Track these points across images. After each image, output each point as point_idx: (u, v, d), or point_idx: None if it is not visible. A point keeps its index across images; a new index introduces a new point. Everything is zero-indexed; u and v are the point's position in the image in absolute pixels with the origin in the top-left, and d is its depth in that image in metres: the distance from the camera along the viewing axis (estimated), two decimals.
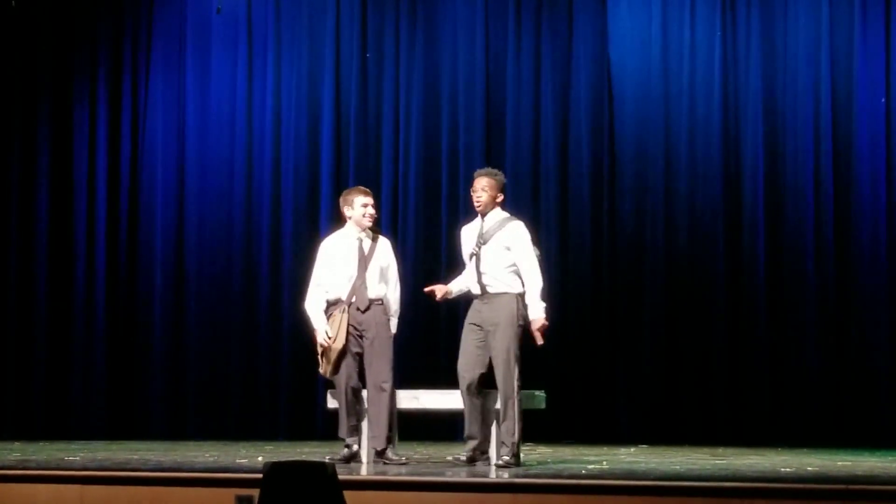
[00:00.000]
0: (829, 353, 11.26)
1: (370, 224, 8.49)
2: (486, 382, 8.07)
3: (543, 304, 8.02)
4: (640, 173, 11.80)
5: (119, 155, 12.66)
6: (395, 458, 8.20)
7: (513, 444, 7.94)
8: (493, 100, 12.13)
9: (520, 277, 8.08)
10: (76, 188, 12.61)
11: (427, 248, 11.94)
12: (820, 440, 10.76)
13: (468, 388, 8.05)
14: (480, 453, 8.08)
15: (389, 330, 8.37)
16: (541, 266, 8.17)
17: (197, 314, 12.44)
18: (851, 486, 6.54)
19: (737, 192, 11.62)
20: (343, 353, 8.26)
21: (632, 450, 10.20)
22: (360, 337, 8.32)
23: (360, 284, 8.36)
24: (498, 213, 8.21)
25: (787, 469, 8.07)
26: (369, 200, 8.50)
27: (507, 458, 7.91)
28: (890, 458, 9.25)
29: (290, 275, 12.26)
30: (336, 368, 8.29)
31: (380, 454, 8.21)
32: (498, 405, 8.03)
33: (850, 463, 8.64)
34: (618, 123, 11.87)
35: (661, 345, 11.59)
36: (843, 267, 11.34)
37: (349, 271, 8.38)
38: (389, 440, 8.22)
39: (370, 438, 8.26)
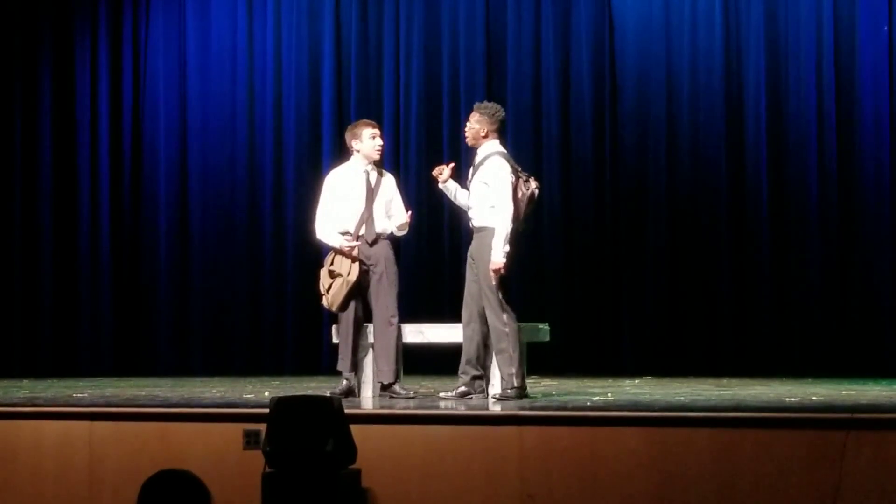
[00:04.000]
0: (833, 283, 11.27)
1: (379, 156, 8.47)
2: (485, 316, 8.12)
3: (505, 249, 7.97)
4: (641, 105, 11.75)
5: (121, 94, 12.61)
6: (402, 392, 8.25)
7: (510, 376, 7.97)
8: (494, 32, 12.07)
9: None
10: (79, 128, 12.57)
11: (428, 182, 11.88)
12: (824, 370, 10.79)
13: (465, 321, 8.10)
14: (476, 387, 8.11)
15: (395, 265, 8.37)
16: (532, 203, 8.15)
17: (201, 251, 12.45)
18: (856, 415, 6.58)
19: (739, 122, 11.58)
20: (353, 288, 8.24)
21: (636, 381, 10.24)
22: (367, 272, 8.31)
23: (367, 217, 8.36)
24: (487, 149, 8.18)
25: (792, 399, 8.11)
26: (378, 132, 8.49)
27: (506, 390, 7.94)
28: (894, 386, 9.29)
29: (293, 210, 12.26)
30: (345, 304, 8.28)
31: (386, 388, 8.25)
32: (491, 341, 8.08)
33: (854, 392, 8.68)
34: (619, 54, 11.81)
35: (665, 276, 11.60)
36: (847, 197, 11.32)
37: (357, 204, 8.38)
38: (396, 374, 8.26)
39: (377, 372, 8.29)
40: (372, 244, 8.37)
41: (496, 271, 7.96)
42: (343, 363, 8.34)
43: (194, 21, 12.59)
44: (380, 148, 8.46)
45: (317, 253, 12.08)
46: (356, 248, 8.33)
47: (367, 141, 8.43)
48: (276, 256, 12.33)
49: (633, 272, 11.69)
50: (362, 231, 8.37)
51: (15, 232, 12.46)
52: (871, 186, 11.26)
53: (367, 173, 8.44)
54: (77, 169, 12.55)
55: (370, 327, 8.38)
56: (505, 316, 7.99)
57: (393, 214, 8.50)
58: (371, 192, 8.39)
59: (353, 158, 8.51)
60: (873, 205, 11.24)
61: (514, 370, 7.97)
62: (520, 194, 8.10)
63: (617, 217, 11.79)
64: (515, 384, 7.96)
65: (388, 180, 8.52)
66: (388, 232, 8.45)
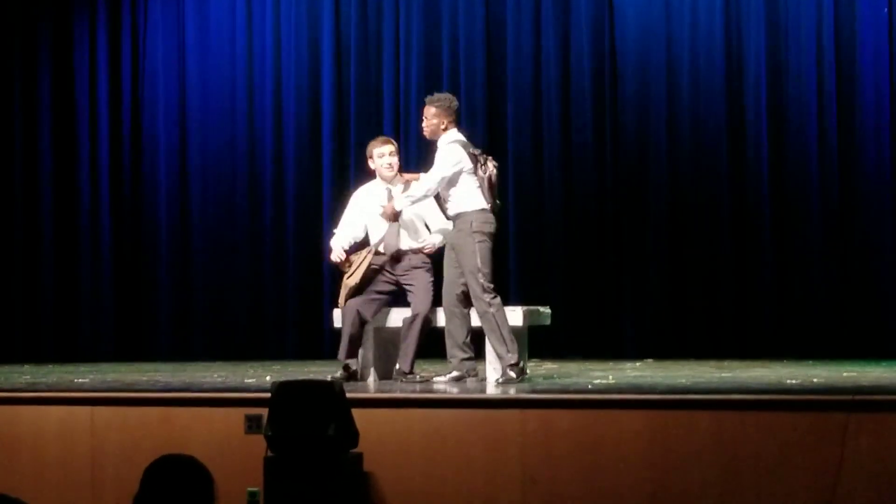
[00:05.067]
0: (834, 265, 11.25)
1: (391, 174, 8.56)
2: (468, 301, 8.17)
3: (407, 204, 8.23)
4: (642, 87, 11.73)
5: (120, 79, 12.60)
6: (417, 378, 8.26)
7: (506, 354, 7.99)
8: (493, 15, 12.03)
9: (471, 195, 8.13)
10: (78, 114, 12.56)
11: (429, 162, 11.85)
12: (825, 352, 10.77)
13: (446, 306, 8.19)
14: (468, 369, 8.13)
15: (428, 274, 8.43)
16: (495, 183, 8.22)
17: (202, 236, 12.44)
18: (857, 397, 6.58)
19: (739, 104, 11.55)
20: (356, 290, 8.38)
21: (637, 364, 10.23)
22: (396, 283, 8.47)
23: (388, 233, 8.47)
24: (446, 139, 8.23)
25: (793, 381, 8.10)
26: (385, 150, 8.57)
27: (506, 371, 7.96)
28: (895, 368, 9.29)
29: (294, 193, 12.26)
30: (345, 301, 8.41)
31: (401, 374, 8.26)
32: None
33: (855, 374, 8.68)
34: (619, 36, 11.78)
35: (666, 258, 11.59)
36: (848, 179, 11.31)
37: (375, 220, 8.52)
38: (412, 366, 8.29)
39: (399, 358, 8.32)
40: (397, 260, 8.49)
41: (388, 213, 8.19)
42: (341, 352, 8.38)
43: (193, 5, 12.57)
44: (388, 166, 8.54)
45: (317, 238, 12.16)
46: (344, 261, 8.44)
47: (376, 160, 8.59)
48: (277, 241, 12.32)
49: (634, 255, 11.68)
50: (381, 247, 8.51)
51: (15, 218, 12.45)
52: (872, 169, 11.24)
53: (389, 190, 8.53)
54: (77, 154, 12.55)
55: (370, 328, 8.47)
56: (488, 296, 8.03)
57: (420, 230, 8.60)
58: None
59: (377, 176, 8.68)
60: (874, 187, 11.22)
61: (507, 348, 8.00)
62: (478, 176, 8.17)
63: (618, 200, 11.77)
64: (512, 362, 7.98)
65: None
66: (417, 247, 8.51)
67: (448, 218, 8.31)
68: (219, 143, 12.47)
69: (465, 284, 8.09)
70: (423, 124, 8.29)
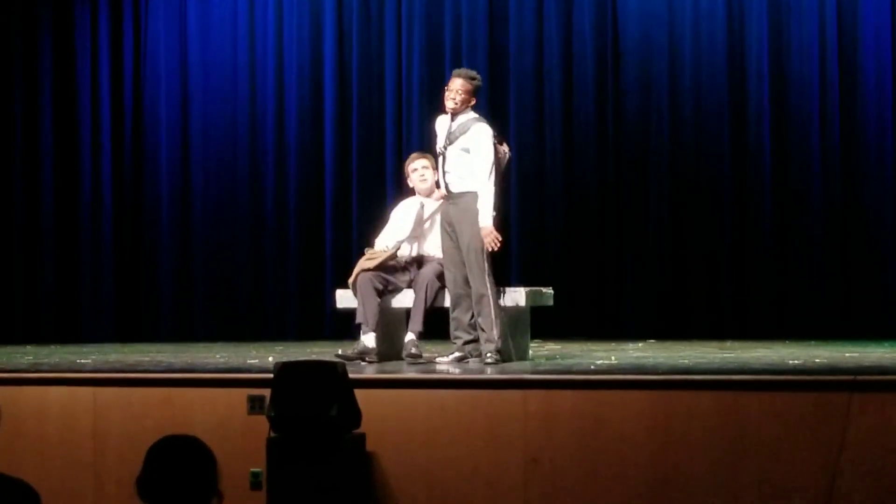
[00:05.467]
0: (836, 246, 11.26)
1: (424, 187, 8.71)
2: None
3: (492, 213, 8.06)
4: (644, 67, 11.71)
5: (122, 57, 12.55)
6: (414, 349, 8.27)
7: (494, 338, 8.00)
8: None
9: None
10: (79, 92, 12.51)
11: (432, 146, 11.84)
12: (828, 332, 10.78)
13: (450, 287, 8.18)
14: (471, 351, 8.14)
15: (438, 282, 8.44)
16: (506, 167, 8.26)
17: (203, 215, 12.42)
18: (859, 377, 6.59)
19: (741, 84, 11.54)
20: (366, 277, 8.45)
21: (640, 345, 10.24)
22: (408, 282, 8.58)
23: (413, 242, 8.63)
24: (467, 115, 8.23)
25: (795, 361, 8.11)
26: (418, 165, 8.75)
27: (492, 354, 7.96)
28: None
29: (295, 174, 12.25)
30: (356, 276, 8.51)
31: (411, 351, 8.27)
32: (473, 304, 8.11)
33: (857, 354, 8.69)
34: (621, 16, 11.76)
35: (668, 239, 11.59)
36: (850, 158, 11.30)
37: (406, 229, 8.67)
38: (419, 333, 8.34)
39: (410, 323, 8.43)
40: (418, 265, 8.60)
41: (490, 233, 8.02)
42: (358, 315, 8.43)
43: None
44: (421, 178, 8.71)
45: (319, 219, 12.16)
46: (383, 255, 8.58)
47: (410, 176, 8.78)
48: (279, 221, 12.31)
49: (636, 236, 11.68)
50: (407, 252, 8.64)
51: (16, 197, 12.44)
52: (874, 148, 11.24)
53: (423, 204, 8.71)
54: (78, 133, 12.52)
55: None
56: (487, 280, 8.02)
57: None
58: (420, 221, 8.67)
59: None
60: (876, 166, 11.22)
61: (497, 332, 8.01)
62: (498, 158, 8.17)
63: (619, 180, 11.76)
64: (499, 346, 8.00)
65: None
66: (438, 256, 8.56)
67: (448, 192, 8.27)
68: (220, 122, 12.44)
69: (465, 264, 8.09)
70: (450, 95, 8.19)
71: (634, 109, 11.74)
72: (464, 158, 8.14)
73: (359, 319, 8.43)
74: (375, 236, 8.90)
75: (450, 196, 8.24)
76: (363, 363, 8.17)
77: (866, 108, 11.27)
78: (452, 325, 8.22)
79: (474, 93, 8.25)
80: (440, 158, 8.28)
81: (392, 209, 9.01)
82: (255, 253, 12.34)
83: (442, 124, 8.34)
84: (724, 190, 11.49)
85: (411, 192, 8.91)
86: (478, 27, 12.00)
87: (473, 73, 8.35)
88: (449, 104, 8.21)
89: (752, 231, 11.45)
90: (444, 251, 8.29)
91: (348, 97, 12.25)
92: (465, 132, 8.16)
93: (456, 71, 8.43)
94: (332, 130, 12.25)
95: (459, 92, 8.18)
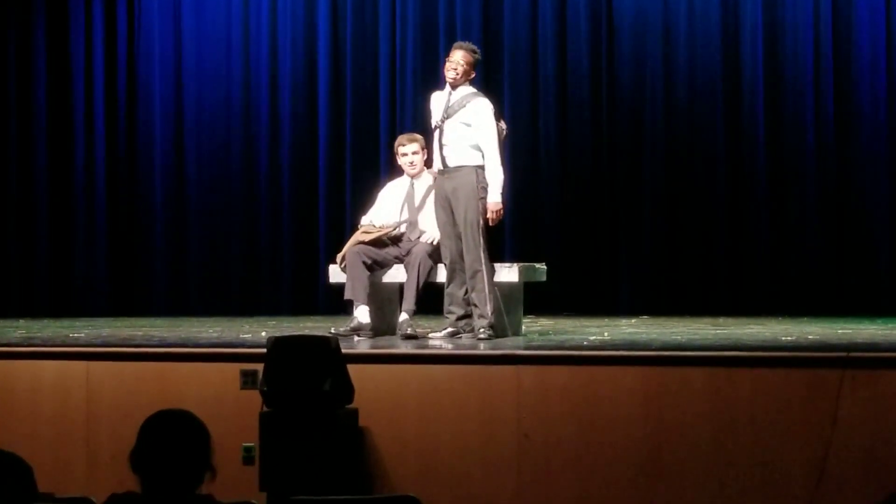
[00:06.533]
0: (829, 222, 11.26)
1: (414, 172, 8.69)
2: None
3: (501, 189, 8.10)
4: (638, 44, 11.68)
5: (115, 36, 12.47)
6: (407, 329, 8.26)
7: (487, 314, 8.01)
8: None
9: (480, 151, 8.12)
10: (73, 70, 12.45)
11: (426, 121, 11.83)
12: (820, 308, 10.79)
13: (445, 261, 8.16)
14: (464, 326, 8.15)
15: (430, 259, 8.44)
16: (502, 142, 8.26)
17: (197, 190, 12.40)
18: (852, 354, 6.61)
19: (736, 62, 11.52)
20: (355, 253, 8.45)
21: (633, 321, 10.25)
22: (398, 257, 8.56)
23: (408, 224, 8.60)
24: (466, 89, 8.22)
25: (788, 337, 8.13)
26: (408, 149, 8.71)
27: (485, 329, 7.97)
28: (890, 325, 9.31)
29: (289, 149, 12.23)
30: (342, 257, 8.52)
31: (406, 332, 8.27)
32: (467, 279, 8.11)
33: (850, 331, 8.70)
34: None
35: (662, 215, 11.58)
36: (844, 136, 11.30)
37: (396, 212, 8.68)
38: (410, 311, 8.33)
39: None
40: (408, 241, 8.59)
41: (499, 211, 8.04)
42: (347, 291, 8.43)
43: None
44: (410, 164, 8.68)
45: (313, 194, 12.14)
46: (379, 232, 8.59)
47: (399, 157, 8.76)
48: (272, 196, 12.29)
49: (630, 212, 11.68)
50: (399, 230, 8.61)
51: (10, 173, 12.41)
52: (868, 126, 11.23)
53: (412, 184, 8.69)
54: (72, 109, 12.48)
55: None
56: (482, 255, 8.03)
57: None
58: (411, 202, 8.66)
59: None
60: (869, 144, 11.22)
61: (490, 307, 8.01)
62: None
63: (613, 157, 11.76)
64: (491, 321, 8.01)
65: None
66: (434, 234, 8.52)
67: (444, 166, 8.25)
68: (214, 98, 12.41)
69: (461, 238, 8.08)
70: (451, 66, 8.17)
71: (629, 86, 11.72)
72: (463, 132, 8.12)
73: (348, 295, 8.42)
74: (364, 214, 8.89)
75: (445, 169, 8.21)
76: (357, 338, 8.17)
77: (860, 83, 11.26)
78: (446, 300, 8.23)
79: (474, 66, 8.26)
80: (436, 132, 8.25)
81: (383, 189, 8.98)
82: (249, 228, 12.33)
83: (439, 98, 8.32)
84: (718, 166, 11.49)
85: (400, 170, 8.90)
86: (472, 3, 11.96)
87: (474, 47, 8.38)
88: (450, 74, 8.19)
89: (746, 207, 11.45)
90: (438, 225, 8.27)
91: (342, 74, 12.22)
92: (464, 106, 8.15)
93: (457, 43, 8.45)
94: (325, 107, 12.22)
95: (461, 63, 8.17)
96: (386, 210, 8.72)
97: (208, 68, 12.42)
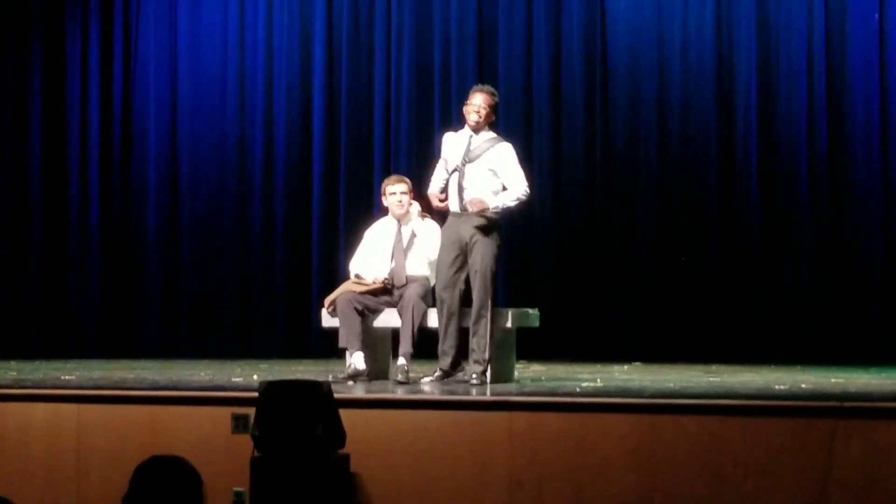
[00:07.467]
0: (822, 271, 11.26)
1: (400, 212, 8.68)
2: (463, 300, 8.16)
3: (502, 206, 8.09)
4: (632, 89, 11.73)
5: (111, 75, 12.54)
6: (400, 376, 8.23)
7: (484, 360, 8.02)
8: (485, 13, 12.02)
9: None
10: (69, 106, 12.51)
11: (420, 163, 11.87)
12: (814, 357, 10.77)
13: (448, 307, 8.11)
14: (453, 369, 8.14)
15: (423, 303, 8.44)
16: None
17: (190, 232, 12.41)
18: (846, 404, 6.59)
19: (729, 108, 11.56)
20: (346, 300, 8.44)
21: (625, 367, 10.23)
22: (391, 304, 8.55)
23: (396, 267, 8.57)
24: (488, 133, 8.21)
25: (782, 386, 8.11)
26: (396, 189, 8.71)
27: (479, 375, 7.97)
28: (884, 374, 9.31)
29: (282, 193, 12.25)
30: (332, 302, 8.54)
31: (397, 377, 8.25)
32: (469, 323, 8.10)
33: (843, 380, 8.69)
34: (610, 37, 11.78)
35: (655, 262, 11.59)
36: (837, 184, 11.31)
37: (385, 257, 8.65)
38: (405, 355, 8.32)
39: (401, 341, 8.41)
40: (401, 287, 8.54)
41: (482, 206, 8.02)
42: (341, 340, 8.42)
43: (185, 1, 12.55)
44: (398, 203, 8.67)
45: (306, 237, 12.14)
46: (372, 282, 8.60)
47: (388, 197, 8.74)
48: (266, 239, 12.30)
49: (623, 258, 11.68)
50: (392, 278, 8.58)
51: (4, 213, 12.41)
52: (861, 175, 11.25)
53: (399, 227, 8.69)
54: (66, 150, 12.50)
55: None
56: (489, 302, 8.05)
57: (423, 262, 8.65)
58: (399, 245, 8.64)
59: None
60: (863, 193, 11.24)
61: (487, 354, 8.04)
62: None
63: (607, 202, 11.77)
64: (487, 367, 8.04)
65: (425, 230, 8.61)
66: (423, 274, 8.56)
67: (463, 209, 8.15)
68: (209, 140, 12.44)
69: (468, 283, 8.07)
70: (474, 109, 8.16)
71: (622, 131, 11.75)
72: (486, 178, 8.13)
73: (342, 343, 8.41)
74: (352, 257, 8.88)
75: (464, 213, 8.14)
76: (351, 383, 8.16)
77: (854, 130, 11.29)
78: (447, 341, 8.18)
79: (495, 109, 8.27)
80: (455, 174, 8.19)
81: (366, 233, 8.95)
82: (242, 270, 12.32)
83: (456, 140, 8.26)
84: (712, 212, 11.50)
85: (385, 210, 8.87)
86: (467, 46, 12.01)
87: (493, 89, 8.35)
88: (472, 118, 8.18)
89: (740, 255, 11.45)
90: (440, 267, 8.21)
91: (336, 118, 12.25)
92: (487, 150, 8.15)
93: (477, 87, 8.39)
94: (319, 151, 12.24)
95: (483, 107, 8.17)
96: (374, 257, 8.70)
97: (204, 110, 12.45)
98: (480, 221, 8.09)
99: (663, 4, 11.71)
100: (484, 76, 11.81)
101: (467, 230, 8.11)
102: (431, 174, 8.58)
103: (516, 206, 8.21)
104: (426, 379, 8.19)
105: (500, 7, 11.98)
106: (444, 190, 8.29)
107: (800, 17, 11.40)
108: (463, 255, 8.11)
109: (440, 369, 8.19)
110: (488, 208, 8.06)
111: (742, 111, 11.52)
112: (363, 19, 12.26)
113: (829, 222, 11.30)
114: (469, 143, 8.17)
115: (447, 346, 8.18)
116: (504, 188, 8.18)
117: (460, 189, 8.16)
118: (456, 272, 8.13)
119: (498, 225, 8.15)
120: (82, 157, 12.49)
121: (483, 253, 8.05)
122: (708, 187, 11.53)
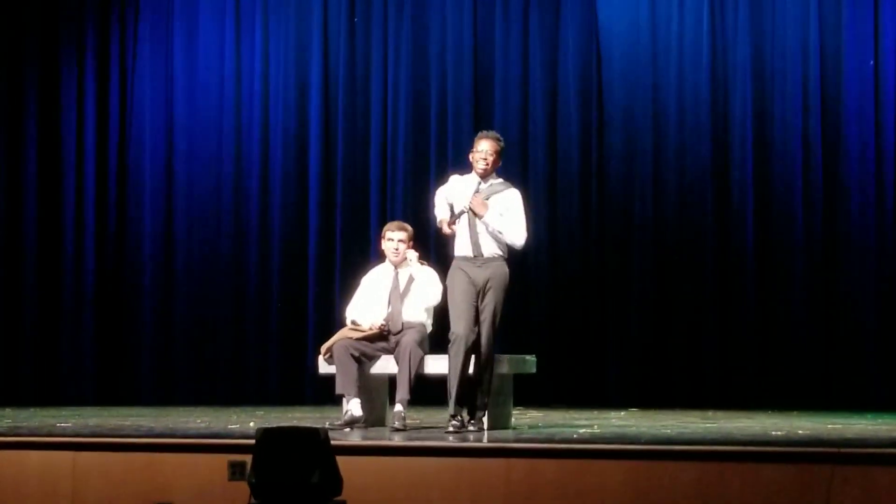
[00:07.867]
0: (818, 316, 11.29)
1: (397, 259, 8.70)
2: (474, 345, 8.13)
3: (494, 230, 8.05)
4: (628, 136, 11.79)
5: (107, 121, 12.59)
6: (396, 423, 8.20)
7: (484, 405, 8.06)
8: (482, 62, 12.10)
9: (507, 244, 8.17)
10: (64, 155, 12.54)
11: (416, 210, 11.89)
12: (810, 403, 10.78)
13: (466, 350, 8.03)
14: (468, 418, 8.11)
15: (420, 349, 8.43)
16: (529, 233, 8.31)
17: (186, 279, 12.42)
18: (843, 450, 6.58)
19: (725, 155, 11.62)
20: (343, 346, 8.45)
21: (622, 413, 10.22)
22: (388, 350, 8.56)
23: (392, 313, 8.58)
24: (495, 178, 8.23)
25: (778, 432, 8.10)
26: (395, 236, 8.73)
27: (477, 421, 7.97)
28: (880, 420, 9.29)
29: (278, 239, 12.27)
30: (328, 349, 8.54)
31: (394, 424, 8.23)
32: (472, 369, 8.07)
33: (840, 426, 8.68)
34: (606, 86, 11.85)
35: (651, 308, 11.60)
36: (832, 230, 11.37)
37: (382, 303, 8.66)
38: (402, 401, 8.30)
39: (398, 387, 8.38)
40: (397, 333, 8.54)
41: (476, 204, 8.02)
42: (338, 386, 8.40)
43: (181, 47, 12.58)
44: (394, 251, 8.69)
45: (302, 284, 12.14)
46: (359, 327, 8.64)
47: (385, 243, 8.76)
48: (261, 285, 12.30)
49: (619, 304, 11.69)
50: (388, 324, 8.59)
51: None
52: (857, 220, 11.30)
53: (397, 273, 8.69)
54: (62, 194, 12.52)
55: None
56: (492, 350, 8.06)
57: (420, 308, 8.66)
58: (396, 290, 8.64)
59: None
60: (858, 238, 11.28)
61: (487, 400, 8.07)
62: None
63: (602, 249, 11.80)
64: (485, 415, 8.06)
65: (423, 276, 8.62)
66: (420, 321, 8.57)
67: (477, 254, 8.10)
68: (204, 186, 12.46)
69: (478, 330, 8.05)
70: (481, 157, 8.14)
71: (618, 176, 11.80)
72: (499, 222, 8.13)
73: (339, 390, 8.39)
74: (349, 304, 8.88)
75: (478, 258, 8.11)
76: (348, 430, 8.14)
77: (849, 177, 11.34)
78: (459, 389, 8.00)
79: (501, 154, 8.26)
80: (462, 217, 8.13)
81: (363, 280, 8.94)
82: (237, 317, 12.32)
83: (463, 184, 8.21)
84: (707, 260, 11.53)
85: (383, 256, 8.87)
86: (463, 94, 12.06)
87: (498, 135, 8.34)
88: (479, 165, 8.16)
89: (735, 300, 11.47)
90: (463, 310, 8.04)
91: (332, 164, 12.29)
92: (496, 194, 8.15)
93: (483, 133, 8.35)
94: (316, 194, 12.27)
95: (490, 154, 8.16)
96: (371, 303, 8.70)
97: (199, 155, 12.48)
98: (494, 267, 8.08)
99: (659, 53, 11.78)
100: (479, 123, 11.86)
101: (482, 275, 8.09)
102: (428, 215, 8.58)
103: (503, 241, 8.16)
104: (447, 431, 7.95)
105: (496, 56, 12.06)
106: (452, 218, 8.23)
107: (795, 67, 11.48)
108: (476, 297, 8.10)
109: (459, 416, 8.04)
110: (482, 216, 8.04)
111: (737, 160, 11.59)
112: (359, 68, 12.32)
113: (823, 267, 11.33)
114: (477, 189, 8.17)
115: (461, 395, 8.05)
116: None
117: (473, 233, 8.12)
118: (474, 315, 8.08)
119: (507, 270, 8.13)
120: (78, 204, 12.50)
121: (496, 299, 8.06)
122: (702, 236, 11.57)
